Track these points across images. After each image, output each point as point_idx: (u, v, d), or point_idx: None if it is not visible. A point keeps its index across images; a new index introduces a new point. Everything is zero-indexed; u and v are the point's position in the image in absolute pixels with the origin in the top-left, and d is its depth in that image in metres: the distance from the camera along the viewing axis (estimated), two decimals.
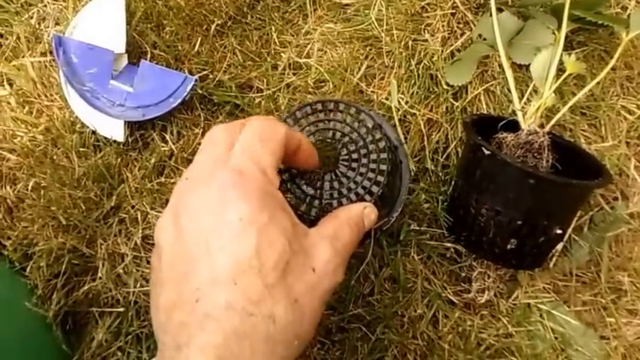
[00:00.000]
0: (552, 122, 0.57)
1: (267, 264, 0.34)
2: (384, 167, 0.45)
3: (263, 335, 0.33)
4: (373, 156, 0.46)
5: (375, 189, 0.45)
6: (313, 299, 0.36)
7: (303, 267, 0.36)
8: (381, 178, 0.45)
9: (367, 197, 0.45)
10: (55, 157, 0.63)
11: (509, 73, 0.58)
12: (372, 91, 0.65)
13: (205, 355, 0.32)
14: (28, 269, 0.61)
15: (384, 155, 0.45)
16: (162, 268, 0.36)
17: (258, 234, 0.34)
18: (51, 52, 0.66)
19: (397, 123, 0.63)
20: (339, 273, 0.38)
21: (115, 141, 0.63)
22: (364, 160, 0.46)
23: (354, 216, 0.42)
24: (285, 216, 0.37)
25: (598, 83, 0.61)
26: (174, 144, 0.64)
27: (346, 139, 0.46)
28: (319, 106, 0.47)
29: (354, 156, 0.46)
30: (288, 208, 0.38)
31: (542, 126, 0.56)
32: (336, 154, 0.46)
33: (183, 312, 0.34)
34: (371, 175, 0.45)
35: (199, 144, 0.63)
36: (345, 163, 0.46)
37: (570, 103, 0.57)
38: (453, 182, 0.61)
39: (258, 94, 0.66)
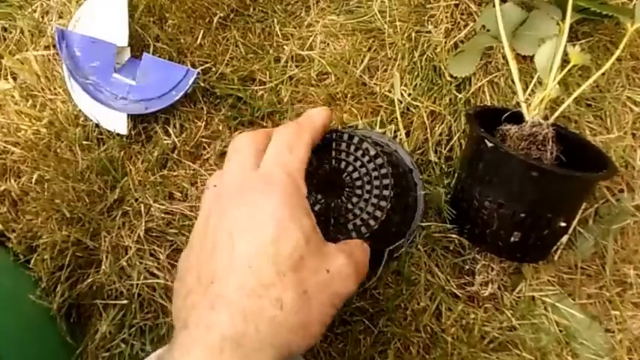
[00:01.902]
0: (557, 114, 0.56)
1: (282, 253, 0.36)
2: (386, 193, 0.47)
3: (269, 318, 0.34)
4: (376, 182, 0.47)
5: (378, 214, 0.47)
6: (323, 296, 0.37)
7: (317, 266, 0.37)
8: (384, 204, 0.47)
9: (371, 222, 0.47)
10: (58, 150, 0.63)
11: (513, 65, 0.57)
12: (374, 84, 0.64)
13: (211, 333, 0.33)
14: (32, 262, 0.61)
15: (386, 181, 0.47)
16: (190, 262, 0.39)
17: (277, 225, 0.36)
18: (54, 46, 0.66)
19: (399, 116, 0.63)
20: (352, 282, 0.40)
21: (118, 134, 0.63)
22: (367, 187, 0.48)
23: (362, 244, 0.44)
24: (307, 219, 0.39)
25: (603, 74, 0.60)
26: (176, 137, 0.64)
27: (350, 167, 0.48)
28: (333, 136, 0.49)
29: (358, 183, 0.48)
30: (311, 214, 0.40)
31: (546, 118, 0.56)
32: (342, 182, 0.48)
33: (198, 294, 0.36)
34: (374, 200, 0.47)
35: (202, 137, 0.63)
36: (350, 190, 0.48)
37: (575, 95, 0.56)
38: (456, 175, 0.61)
39: (261, 87, 0.65)
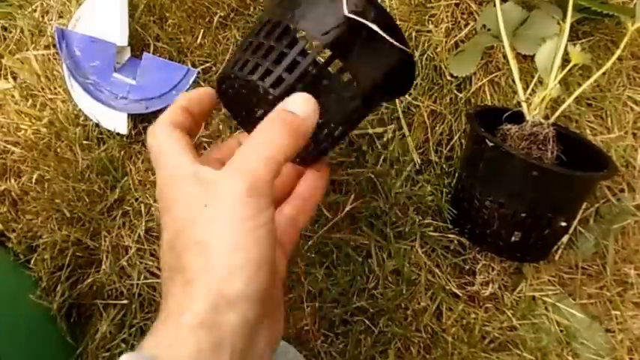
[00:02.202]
0: (557, 113, 0.56)
1: (167, 242, 0.35)
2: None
3: (180, 286, 0.33)
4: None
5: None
6: (219, 234, 0.33)
7: (199, 210, 0.34)
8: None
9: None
10: (58, 150, 0.63)
11: (513, 64, 0.57)
12: None
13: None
14: (32, 262, 0.61)
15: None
16: None
17: (162, 216, 0.36)
18: (54, 45, 0.66)
19: (401, 115, 0.63)
20: (246, 195, 0.34)
21: (118, 134, 0.63)
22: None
23: (269, 120, 0.36)
24: (181, 181, 0.35)
25: (604, 74, 0.60)
26: None
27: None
28: None
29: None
30: (168, 165, 0.37)
31: (547, 117, 0.56)
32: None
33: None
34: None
35: (202, 136, 0.64)
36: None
37: (575, 94, 0.57)
38: (456, 174, 0.61)
39: None
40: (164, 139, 0.38)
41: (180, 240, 0.34)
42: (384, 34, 0.39)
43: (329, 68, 0.39)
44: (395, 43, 0.40)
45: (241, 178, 0.34)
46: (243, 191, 0.33)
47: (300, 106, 0.36)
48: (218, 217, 0.34)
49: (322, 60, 0.38)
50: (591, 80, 0.57)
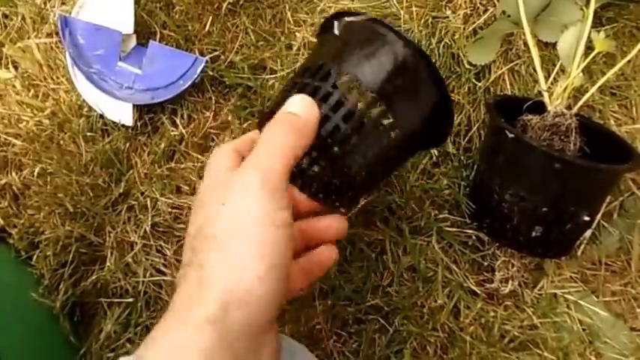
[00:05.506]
0: (580, 103, 0.57)
1: (191, 233, 0.39)
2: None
3: (195, 281, 0.35)
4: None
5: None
6: (234, 229, 0.36)
7: (217, 208, 0.38)
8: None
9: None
10: (61, 142, 0.64)
11: (534, 52, 0.58)
12: None
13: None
14: (34, 258, 0.62)
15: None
16: None
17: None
18: (57, 33, 0.67)
19: None
20: (259, 189, 0.37)
21: (123, 125, 0.64)
22: None
23: (275, 122, 0.40)
24: (214, 187, 0.40)
25: (629, 62, 0.61)
26: (184, 128, 0.65)
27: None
28: None
29: None
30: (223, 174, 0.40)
31: (569, 107, 0.57)
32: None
33: None
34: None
35: (210, 128, 0.65)
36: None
37: (599, 83, 0.57)
38: (475, 167, 0.62)
39: (272, 76, 0.66)
40: (218, 158, 0.42)
41: (199, 237, 0.37)
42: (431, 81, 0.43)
43: (372, 110, 0.42)
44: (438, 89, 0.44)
45: (254, 174, 0.37)
46: (256, 185, 0.37)
47: (300, 107, 0.40)
48: (235, 214, 0.37)
49: (367, 102, 0.42)
50: (616, 69, 0.57)
